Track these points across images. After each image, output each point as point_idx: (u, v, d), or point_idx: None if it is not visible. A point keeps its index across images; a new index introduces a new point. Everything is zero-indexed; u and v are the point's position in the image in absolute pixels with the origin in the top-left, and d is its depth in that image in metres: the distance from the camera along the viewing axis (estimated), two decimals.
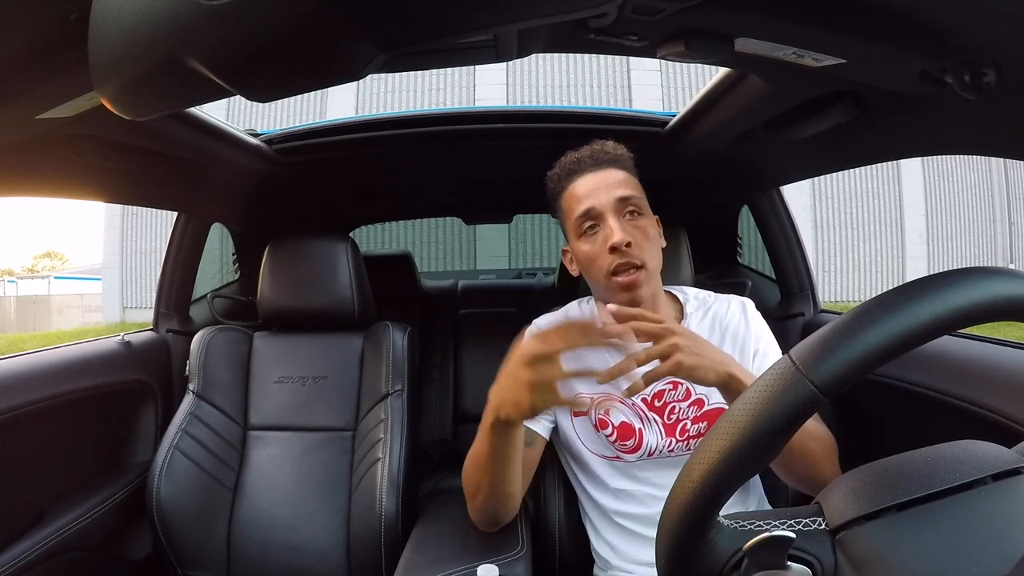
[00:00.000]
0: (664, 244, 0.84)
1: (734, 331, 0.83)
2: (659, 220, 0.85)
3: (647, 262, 0.77)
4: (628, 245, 0.75)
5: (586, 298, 0.93)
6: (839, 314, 1.01)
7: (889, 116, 0.74)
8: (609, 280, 0.77)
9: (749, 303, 0.87)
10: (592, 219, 0.79)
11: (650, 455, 0.80)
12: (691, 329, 0.82)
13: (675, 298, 0.89)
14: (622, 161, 0.82)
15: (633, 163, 0.84)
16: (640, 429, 0.79)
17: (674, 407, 0.80)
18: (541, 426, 0.81)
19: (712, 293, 0.90)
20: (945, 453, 0.40)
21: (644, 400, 0.80)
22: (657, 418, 0.80)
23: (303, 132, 1.19)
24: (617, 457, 0.81)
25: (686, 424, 0.80)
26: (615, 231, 0.76)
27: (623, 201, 0.78)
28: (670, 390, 0.81)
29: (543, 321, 0.89)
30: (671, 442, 0.78)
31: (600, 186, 0.79)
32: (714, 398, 0.79)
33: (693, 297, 0.89)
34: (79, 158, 0.84)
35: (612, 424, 0.80)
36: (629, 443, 0.80)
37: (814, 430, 0.72)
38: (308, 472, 1.09)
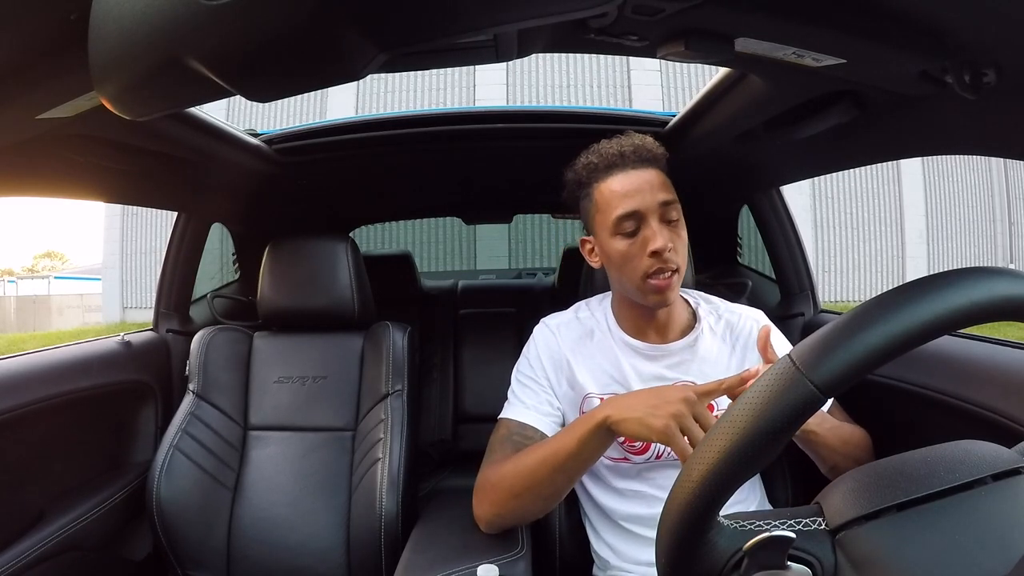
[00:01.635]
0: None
1: (744, 341, 0.84)
2: None
3: (681, 267, 0.77)
4: (669, 251, 0.75)
5: (596, 298, 0.92)
6: (839, 314, 1.01)
7: (889, 116, 0.74)
8: (644, 282, 0.77)
9: (763, 316, 0.88)
10: (634, 220, 0.77)
11: (658, 457, 0.80)
12: (705, 334, 0.83)
13: (686, 302, 0.89)
14: (661, 162, 0.81)
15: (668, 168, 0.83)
16: None
17: None
18: (546, 425, 0.81)
19: (722, 300, 0.90)
20: (945, 453, 0.40)
21: None
22: None
23: (303, 132, 1.19)
24: (624, 459, 0.81)
25: None
26: (658, 236, 0.75)
27: (665, 205, 0.77)
28: None
29: (553, 321, 0.89)
30: None
31: (644, 187, 0.77)
32: (723, 404, 0.79)
33: (704, 302, 0.89)
34: (79, 158, 0.84)
35: None
36: (638, 445, 0.79)
37: (850, 435, 0.75)
38: (308, 472, 1.09)
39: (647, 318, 0.83)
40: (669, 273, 0.76)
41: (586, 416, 0.69)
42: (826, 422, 0.74)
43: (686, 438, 0.60)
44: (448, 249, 7.56)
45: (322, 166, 1.27)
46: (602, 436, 0.67)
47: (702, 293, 0.93)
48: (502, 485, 0.74)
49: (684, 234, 0.80)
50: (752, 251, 1.56)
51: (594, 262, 0.86)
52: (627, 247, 0.77)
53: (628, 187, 0.77)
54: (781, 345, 0.85)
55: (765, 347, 0.70)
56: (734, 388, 0.63)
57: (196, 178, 1.13)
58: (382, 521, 0.96)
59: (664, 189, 0.78)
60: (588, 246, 0.86)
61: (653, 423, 0.61)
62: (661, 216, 0.77)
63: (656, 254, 0.75)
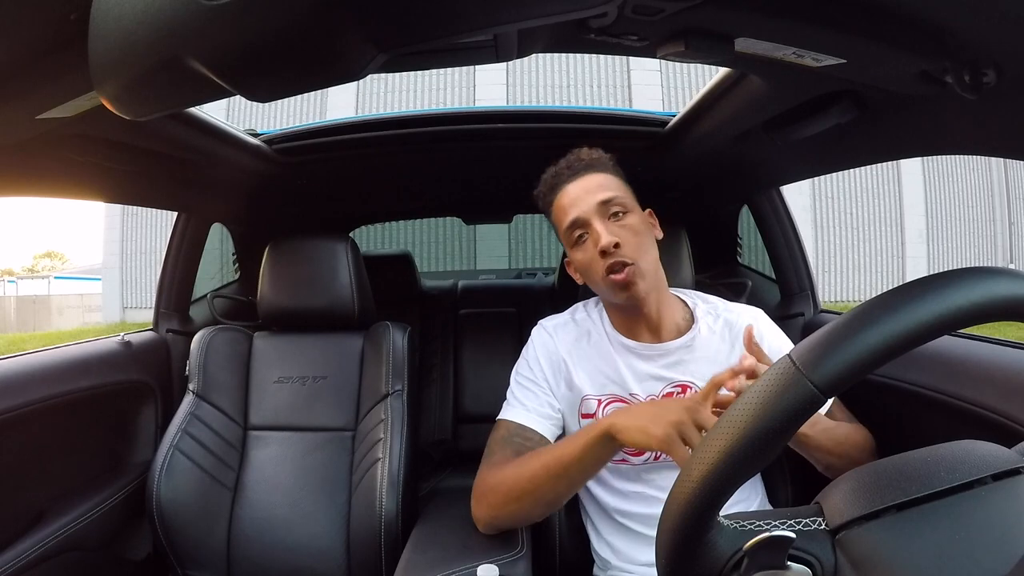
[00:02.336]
0: (660, 235, 0.84)
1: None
2: (652, 212, 0.86)
3: (639, 259, 0.77)
4: (616, 246, 0.76)
5: (592, 300, 0.93)
6: (839, 314, 1.01)
7: (889, 116, 0.74)
8: (606, 281, 0.77)
9: (761, 314, 0.88)
10: (580, 227, 0.80)
11: (656, 458, 0.80)
12: (703, 333, 0.83)
13: (683, 302, 0.89)
14: (599, 164, 0.83)
15: (613, 163, 0.84)
16: None
17: None
18: (546, 428, 0.81)
19: (721, 300, 0.90)
20: (945, 453, 0.40)
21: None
22: None
23: (303, 132, 1.19)
24: (623, 460, 0.81)
25: None
26: (602, 235, 0.76)
27: (605, 204, 0.78)
28: (678, 393, 0.81)
29: (550, 323, 0.89)
30: None
31: (581, 193, 0.80)
32: None
33: (703, 301, 0.89)
34: (79, 158, 0.84)
35: None
36: None
37: (857, 437, 0.75)
38: (308, 472, 1.09)
39: (635, 318, 0.83)
40: (624, 269, 0.76)
41: (591, 425, 0.69)
42: (819, 423, 0.73)
43: (689, 448, 0.60)
44: (448, 249, 7.56)
45: (322, 166, 1.27)
46: (605, 444, 0.67)
47: (700, 293, 0.93)
48: (500, 489, 0.74)
49: (640, 227, 0.80)
50: (752, 251, 1.57)
51: (578, 279, 0.88)
52: (583, 254, 0.80)
53: (567, 200, 0.81)
54: (776, 338, 0.85)
55: (750, 346, 0.70)
56: (724, 381, 0.63)
57: (196, 178, 1.13)
58: (382, 521, 0.96)
59: (603, 189, 0.79)
60: (571, 266, 0.88)
61: (654, 431, 0.62)
62: (603, 215, 0.78)
63: (604, 253, 0.76)
